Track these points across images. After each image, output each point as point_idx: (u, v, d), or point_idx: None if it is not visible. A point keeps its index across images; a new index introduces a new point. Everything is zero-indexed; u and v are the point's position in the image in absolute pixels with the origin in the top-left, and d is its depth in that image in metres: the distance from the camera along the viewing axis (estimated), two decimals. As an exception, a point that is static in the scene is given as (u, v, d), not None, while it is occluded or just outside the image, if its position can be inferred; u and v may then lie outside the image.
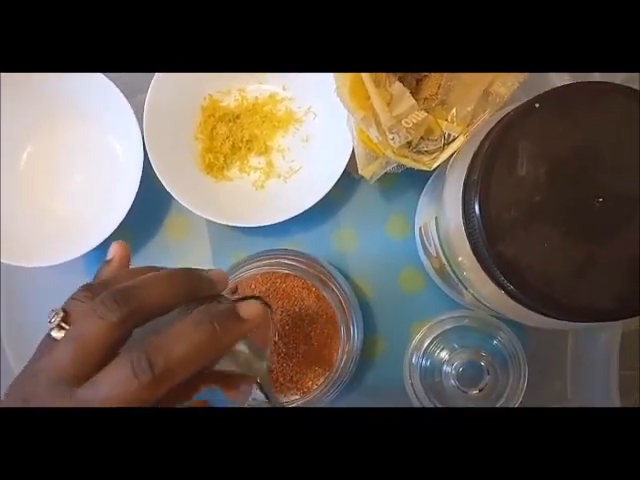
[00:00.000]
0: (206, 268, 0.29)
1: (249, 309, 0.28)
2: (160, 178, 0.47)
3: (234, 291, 0.45)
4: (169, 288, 0.26)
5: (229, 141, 0.51)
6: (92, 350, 0.24)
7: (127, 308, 0.25)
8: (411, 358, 0.46)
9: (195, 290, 0.27)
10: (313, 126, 0.51)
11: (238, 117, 0.51)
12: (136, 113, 0.47)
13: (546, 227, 0.32)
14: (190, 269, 0.28)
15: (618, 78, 0.50)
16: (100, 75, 0.47)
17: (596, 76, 0.53)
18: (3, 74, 0.47)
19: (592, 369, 0.47)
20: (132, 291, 0.26)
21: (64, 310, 0.26)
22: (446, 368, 0.45)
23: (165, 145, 0.48)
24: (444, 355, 0.45)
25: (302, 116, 0.51)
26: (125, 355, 0.24)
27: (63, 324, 0.26)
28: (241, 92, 0.52)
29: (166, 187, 0.47)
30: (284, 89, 0.52)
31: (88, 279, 0.29)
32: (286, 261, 0.43)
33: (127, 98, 0.47)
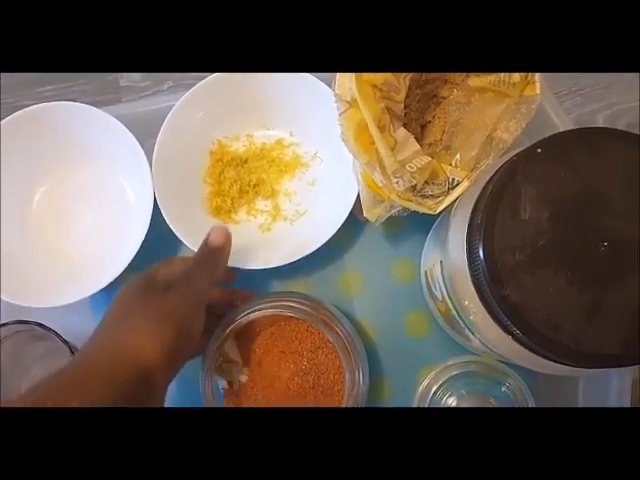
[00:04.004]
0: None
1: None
2: (168, 221, 0.47)
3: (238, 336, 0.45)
4: None
5: (237, 185, 0.51)
6: None
7: None
8: (418, 405, 0.45)
9: None
10: (319, 171, 0.52)
11: (246, 162, 0.52)
12: (148, 157, 0.48)
13: (551, 271, 0.32)
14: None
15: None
16: (113, 119, 0.48)
17: (600, 121, 0.54)
18: (19, 115, 0.49)
19: (603, 417, 0.46)
20: None
21: None
22: (453, 415, 0.44)
23: (173, 188, 0.49)
24: (451, 402, 0.44)
25: (308, 161, 0.52)
26: None
27: None
28: (249, 138, 0.53)
29: (173, 230, 0.47)
30: (291, 135, 0.53)
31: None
32: (291, 304, 0.43)
33: (139, 142, 0.48)
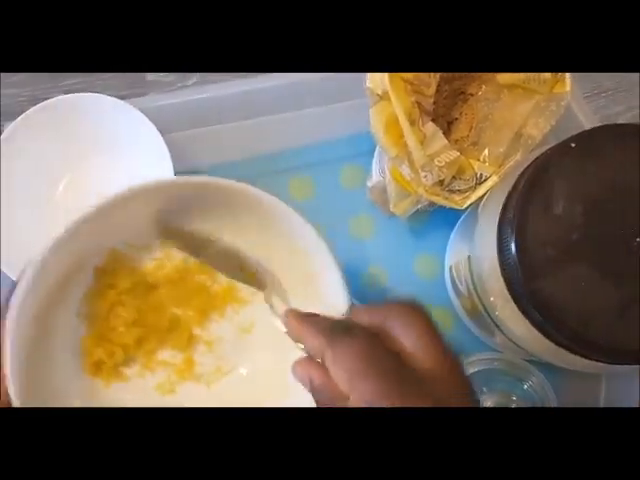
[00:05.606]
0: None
1: None
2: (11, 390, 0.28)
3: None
4: None
5: (135, 328, 0.33)
6: None
7: None
8: (439, 401, 0.45)
9: None
10: (260, 311, 0.33)
11: (154, 288, 0.34)
12: (169, 149, 0.48)
13: (583, 266, 0.32)
14: None
15: None
16: (136, 110, 0.48)
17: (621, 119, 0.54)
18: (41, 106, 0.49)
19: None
20: None
21: None
22: (475, 412, 0.43)
23: (31, 326, 0.29)
24: (473, 398, 0.44)
25: (248, 295, 0.35)
26: None
27: None
28: (164, 249, 0.34)
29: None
30: None
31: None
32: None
33: (162, 135, 0.48)
